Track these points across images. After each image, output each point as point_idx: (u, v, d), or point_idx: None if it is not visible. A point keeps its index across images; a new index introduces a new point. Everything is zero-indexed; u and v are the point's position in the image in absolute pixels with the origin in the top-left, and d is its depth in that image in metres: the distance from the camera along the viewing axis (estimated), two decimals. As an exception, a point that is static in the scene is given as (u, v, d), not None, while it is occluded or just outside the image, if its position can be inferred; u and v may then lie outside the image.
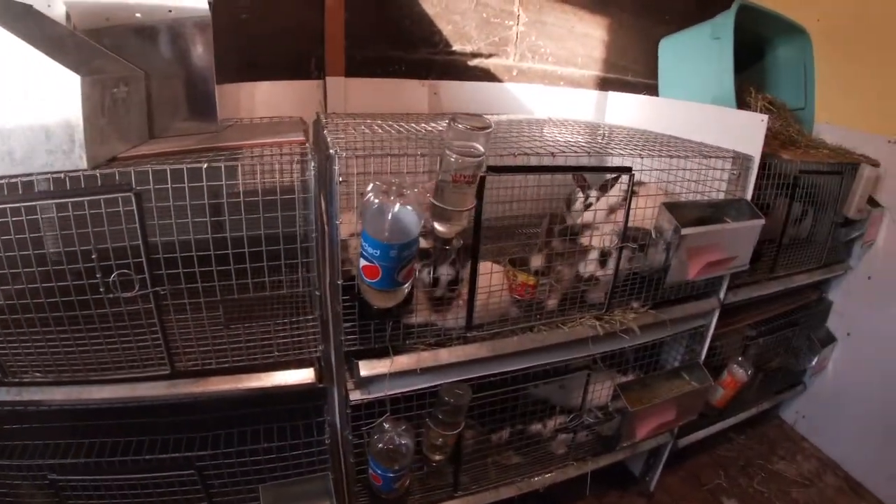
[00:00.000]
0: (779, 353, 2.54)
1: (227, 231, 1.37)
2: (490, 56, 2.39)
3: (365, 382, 1.59)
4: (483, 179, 1.47)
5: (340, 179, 1.39)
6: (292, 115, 2.12)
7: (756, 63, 2.69)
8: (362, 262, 1.33)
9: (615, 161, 1.74)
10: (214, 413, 1.71)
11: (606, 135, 2.15)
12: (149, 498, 1.56)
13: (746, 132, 1.92)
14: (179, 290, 1.36)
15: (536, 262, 1.72)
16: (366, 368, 1.56)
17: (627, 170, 1.66)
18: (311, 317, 1.56)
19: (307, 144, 1.52)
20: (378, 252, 1.29)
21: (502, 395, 1.82)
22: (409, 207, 1.29)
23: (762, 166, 1.94)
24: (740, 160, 1.92)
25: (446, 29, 2.30)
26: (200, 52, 1.66)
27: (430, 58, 2.32)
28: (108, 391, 1.40)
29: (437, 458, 1.77)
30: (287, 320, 1.59)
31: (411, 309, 1.61)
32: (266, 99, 2.15)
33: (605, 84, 2.62)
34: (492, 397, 1.80)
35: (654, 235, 1.76)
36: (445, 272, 1.59)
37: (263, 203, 1.39)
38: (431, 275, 1.60)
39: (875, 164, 2.46)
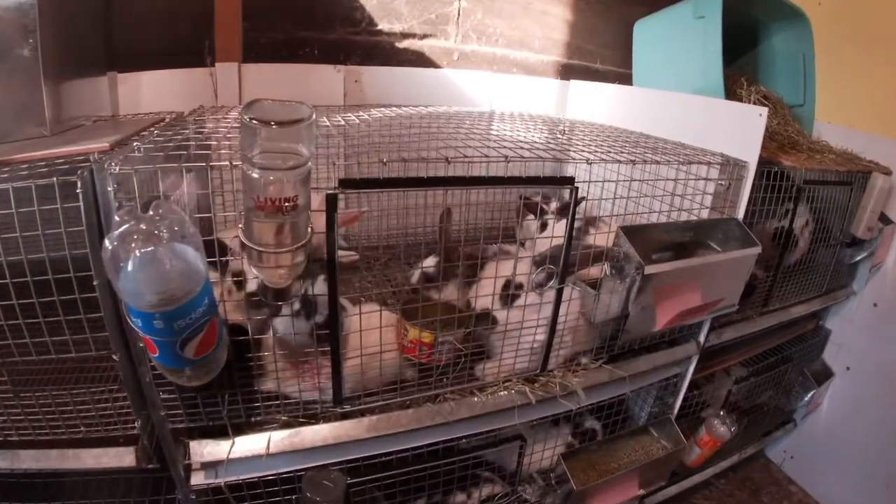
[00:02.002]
0: (768, 391, 1.87)
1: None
2: (425, 37, 1.74)
3: (207, 465, 1.04)
4: (333, 199, 0.85)
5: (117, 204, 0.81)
6: (180, 109, 1.52)
7: (748, 52, 2.00)
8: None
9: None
10: (51, 479, 1.16)
11: (566, 131, 1.49)
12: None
13: (740, 130, 1.26)
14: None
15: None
16: (199, 452, 1.02)
17: (569, 181, 1.01)
18: (113, 387, 1.01)
19: (95, 156, 0.93)
20: (140, 322, 0.74)
21: (402, 476, 1.19)
22: (165, 253, 0.68)
23: (758, 175, 1.28)
24: (730, 167, 1.26)
25: (370, 4, 1.66)
26: (26, 41, 1.19)
27: (351, 38, 1.67)
28: None
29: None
30: (84, 389, 1.01)
31: (251, 377, 1.00)
32: (153, 91, 1.57)
33: (568, 72, 1.95)
34: (389, 479, 1.18)
35: (608, 272, 1.12)
36: (286, 330, 0.96)
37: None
38: (273, 335, 0.97)
39: (887, 173, 1.78)
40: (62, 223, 0.85)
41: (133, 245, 0.68)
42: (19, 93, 1.22)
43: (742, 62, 1.98)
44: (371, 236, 1.61)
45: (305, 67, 1.63)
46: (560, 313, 1.13)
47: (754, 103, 1.64)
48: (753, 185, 1.28)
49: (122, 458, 0.99)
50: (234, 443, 1.02)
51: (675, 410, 1.55)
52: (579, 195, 1.02)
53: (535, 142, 1.20)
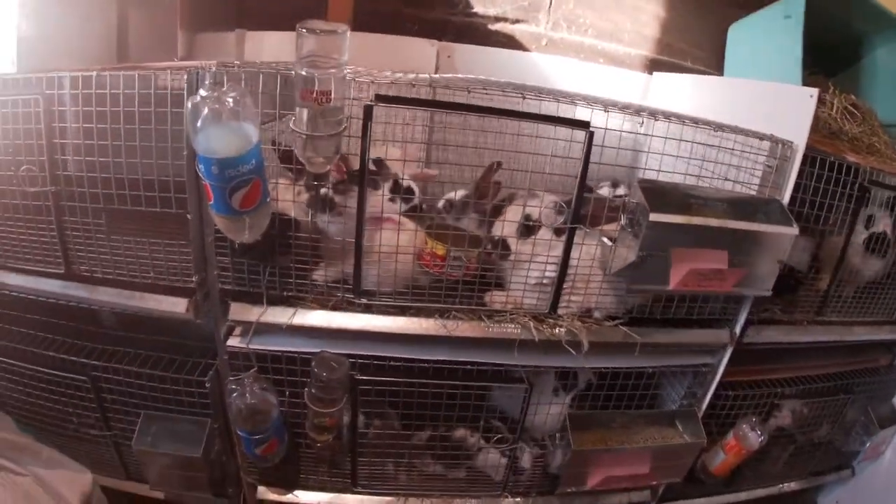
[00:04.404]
0: (821, 420, 1.74)
1: (108, 139, 1.14)
2: (517, 22, 1.89)
3: (243, 326, 1.25)
4: (369, 110, 1.04)
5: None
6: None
7: (852, 66, 1.92)
8: (203, 179, 1.01)
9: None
10: (116, 331, 1.48)
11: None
12: (44, 393, 1.41)
13: (791, 112, 1.26)
14: (72, 193, 1.20)
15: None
16: (237, 312, 1.23)
17: (584, 124, 1.10)
18: (182, 241, 1.22)
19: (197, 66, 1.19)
20: (203, 167, 0.95)
21: (408, 388, 1.31)
22: (226, 114, 0.91)
23: (811, 162, 1.27)
24: (778, 147, 1.26)
25: (469, -13, 1.85)
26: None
27: (448, 18, 1.87)
28: (15, 279, 1.30)
29: (322, 438, 1.32)
30: (161, 241, 1.25)
31: (291, 254, 1.19)
32: (273, 49, 1.85)
33: (656, 67, 1.98)
34: (395, 386, 1.30)
35: (623, 222, 1.17)
36: (324, 219, 1.15)
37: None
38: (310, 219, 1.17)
39: None
40: (169, 104, 1.12)
41: (207, 104, 0.90)
42: (159, 34, 1.54)
43: (845, 76, 1.90)
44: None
45: (404, 40, 1.84)
46: (573, 256, 1.21)
47: (841, 110, 1.59)
48: (804, 172, 1.27)
49: (178, 305, 1.23)
50: (266, 310, 1.21)
51: (704, 405, 1.51)
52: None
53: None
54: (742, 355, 1.47)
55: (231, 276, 1.22)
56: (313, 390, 1.22)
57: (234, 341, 1.25)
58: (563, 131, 1.11)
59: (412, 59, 1.85)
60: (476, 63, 1.87)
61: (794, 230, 1.19)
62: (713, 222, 1.13)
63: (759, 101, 1.38)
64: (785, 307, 1.46)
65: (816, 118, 1.31)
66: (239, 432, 1.26)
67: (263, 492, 1.47)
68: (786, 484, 1.83)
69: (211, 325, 1.27)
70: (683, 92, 1.76)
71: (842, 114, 1.56)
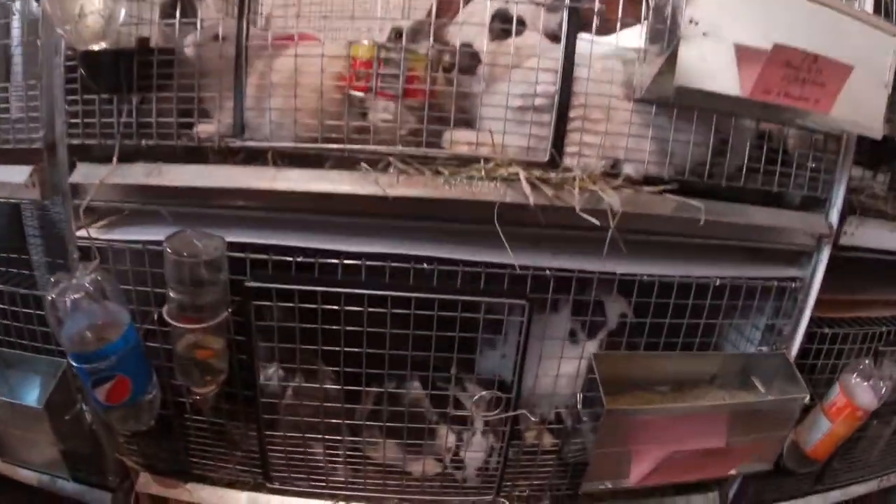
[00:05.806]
0: None
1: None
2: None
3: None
4: None
5: None
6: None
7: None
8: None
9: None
10: None
11: None
12: None
13: None
14: None
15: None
16: (83, 174, 0.82)
17: None
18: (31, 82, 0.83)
19: None
20: None
21: (325, 303, 0.81)
22: None
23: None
24: None
25: None
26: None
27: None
28: None
29: (202, 387, 0.84)
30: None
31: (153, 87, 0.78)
32: None
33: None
34: (304, 300, 0.81)
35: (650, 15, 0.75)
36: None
37: None
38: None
39: None
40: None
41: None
42: None
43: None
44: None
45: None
46: (578, 64, 0.76)
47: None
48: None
49: (16, 175, 0.82)
50: (116, 167, 0.79)
51: (795, 347, 0.99)
52: None
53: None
54: (836, 270, 0.97)
55: (80, 126, 0.80)
56: (171, 293, 0.75)
57: (83, 232, 0.82)
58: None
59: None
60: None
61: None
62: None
63: None
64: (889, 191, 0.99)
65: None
66: (69, 359, 0.77)
67: (146, 483, 0.97)
68: (885, 477, 1.24)
69: (61, 210, 0.85)
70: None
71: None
